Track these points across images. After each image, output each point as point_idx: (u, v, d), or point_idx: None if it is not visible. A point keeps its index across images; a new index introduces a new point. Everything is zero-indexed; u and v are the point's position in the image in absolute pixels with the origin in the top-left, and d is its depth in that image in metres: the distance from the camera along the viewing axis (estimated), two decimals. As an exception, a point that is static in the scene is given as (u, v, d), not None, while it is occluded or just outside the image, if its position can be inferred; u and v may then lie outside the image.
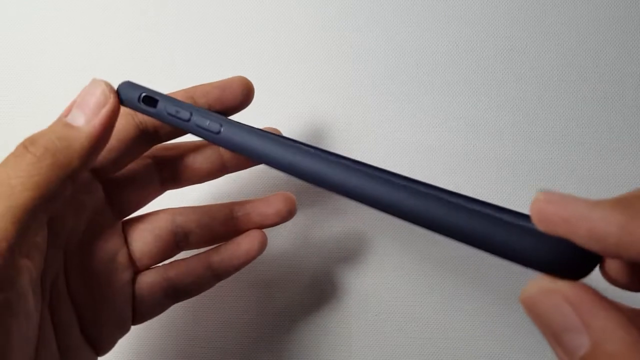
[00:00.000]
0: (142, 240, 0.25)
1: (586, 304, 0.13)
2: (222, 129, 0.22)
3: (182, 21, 0.32)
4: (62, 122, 0.20)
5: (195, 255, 0.26)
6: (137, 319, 0.25)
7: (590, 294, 0.13)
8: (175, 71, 0.32)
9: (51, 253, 0.21)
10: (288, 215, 0.26)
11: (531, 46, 0.31)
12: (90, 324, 0.23)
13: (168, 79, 0.32)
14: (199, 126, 0.22)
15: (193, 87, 0.24)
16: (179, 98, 0.23)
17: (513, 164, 0.31)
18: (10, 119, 0.32)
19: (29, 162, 0.18)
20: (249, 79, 0.25)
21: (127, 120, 0.23)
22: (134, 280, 0.25)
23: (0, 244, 0.17)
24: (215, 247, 0.26)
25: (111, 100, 0.20)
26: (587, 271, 0.15)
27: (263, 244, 0.26)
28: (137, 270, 0.25)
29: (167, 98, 0.22)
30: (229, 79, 0.25)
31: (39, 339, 0.20)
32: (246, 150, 0.21)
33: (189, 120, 0.22)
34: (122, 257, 0.24)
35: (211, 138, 0.22)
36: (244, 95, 0.24)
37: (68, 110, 0.20)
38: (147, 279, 0.25)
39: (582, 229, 0.13)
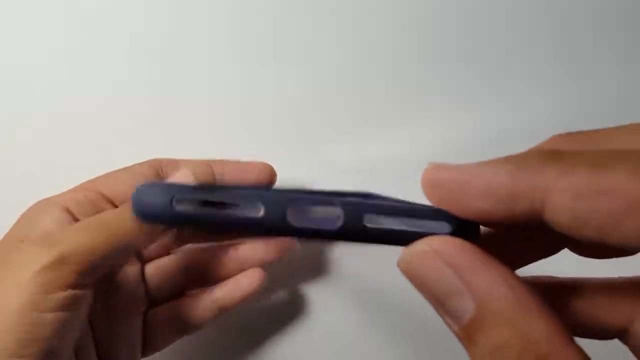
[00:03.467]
0: (158, 277, 0.27)
1: (466, 263, 0.13)
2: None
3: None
4: None
5: (201, 290, 0.28)
6: (147, 350, 0.26)
7: (469, 252, 0.13)
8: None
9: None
10: (285, 252, 0.28)
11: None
12: (105, 352, 0.25)
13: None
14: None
15: (216, 161, 0.27)
16: (200, 168, 0.26)
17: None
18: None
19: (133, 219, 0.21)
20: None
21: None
22: (146, 313, 0.27)
23: (94, 260, 0.20)
24: (219, 285, 0.28)
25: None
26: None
27: (261, 282, 0.28)
28: (150, 304, 0.27)
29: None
30: (252, 162, 0.27)
31: None
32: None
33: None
34: (140, 293, 0.26)
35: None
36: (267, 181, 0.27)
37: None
38: (159, 313, 0.27)
39: (475, 186, 0.13)
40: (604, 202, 0.11)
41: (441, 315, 0.13)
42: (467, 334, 0.12)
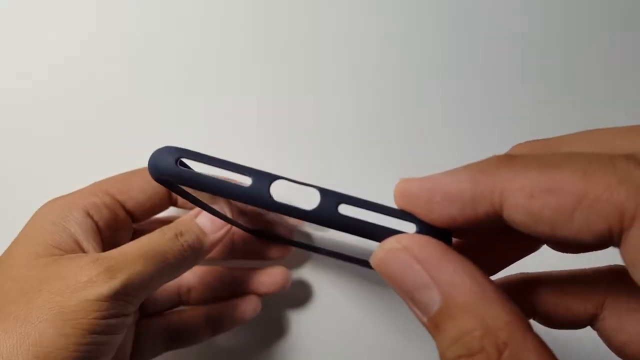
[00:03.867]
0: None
1: (433, 258, 0.13)
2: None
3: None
4: (197, 225, 0.24)
5: (195, 307, 0.29)
6: (134, 359, 0.27)
7: (436, 249, 0.14)
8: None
9: None
10: (283, 286, 0.29)
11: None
12: None
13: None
14: None
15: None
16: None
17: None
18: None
19: (180, 248, 0.23)
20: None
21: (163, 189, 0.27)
22: (138, 321, 0.27)
23: (148, 293, 0.23)
24: (214, 305, 0.29)
25: (231, 226, 0.25)
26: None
27: (257, 309, 0.29)
28: (143, 314, 0.27)
29: None
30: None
31: None
32: None
33: None
34: None
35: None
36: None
37: (197, 214, 0.25)
38: (150, 322, 0.27)
39: (440, 193, 0.14)
40: (553, 199, 0.12)
41: (411, 308, 0.14)
42: (435, 325, 0.13)
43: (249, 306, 0.29)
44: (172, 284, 0.28)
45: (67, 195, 0.25)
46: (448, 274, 0.13)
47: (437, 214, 0.14)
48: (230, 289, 0.29)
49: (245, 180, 0.17)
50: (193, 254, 0.24)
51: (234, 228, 0.27)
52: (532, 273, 0.18)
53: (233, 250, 0.29)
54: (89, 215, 0.24)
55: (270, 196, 0.16)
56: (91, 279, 0.20)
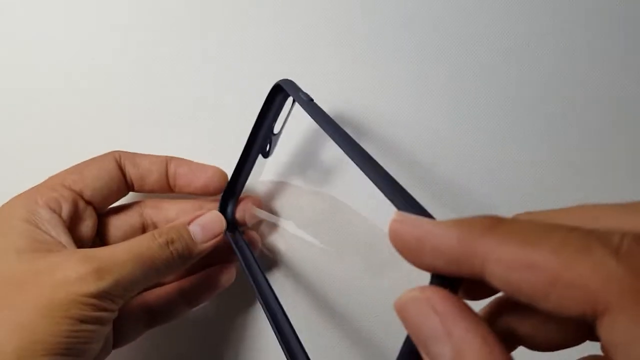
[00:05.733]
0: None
1: (450, 312, 0.14)
2: None
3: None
4: (188, 233, 0.26)
5: (170, 284, 0.29)
6: (117, 341, 0.26)
7: (453, 303, 0.14)
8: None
9: None
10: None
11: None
12: None
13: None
14: None
15: (172, 158, 0.28)
16: (156, 165, 0.28)
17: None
18: None
19: (168, 255, 0.24)
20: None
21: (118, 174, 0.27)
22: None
23: (133, 295, 0.24)
24: (188, 277, 0.29)
25: (221, 235, 0.27)
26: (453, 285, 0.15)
27: (231, 277, 0.29)
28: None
29: None
30: (206, 166, 0.28)
31: None
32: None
33: None
34: None
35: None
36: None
37: (191, 221, 0.26)
38: (127, 305, 0.27)
39: (428, 244, 0.14)
40: (530, 275, 0.12)
41: (422, 355, 0.14)
42: None
43: (223, 274, 0.29)
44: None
45: (25, 193, 0.25)
46: (461, 330, 0.13)
47: (426, 263, 0.15)
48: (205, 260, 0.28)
49: None
50: (181, 261, 0.25)
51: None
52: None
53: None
54: (52, 210, 0.24)
55: None
56: (80, 276, 0.21)
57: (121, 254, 0.23)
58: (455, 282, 0.15)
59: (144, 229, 0.28)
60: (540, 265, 0.12)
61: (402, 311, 0.15)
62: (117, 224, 0.28)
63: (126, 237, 0.27)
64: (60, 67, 0.32)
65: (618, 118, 0.31)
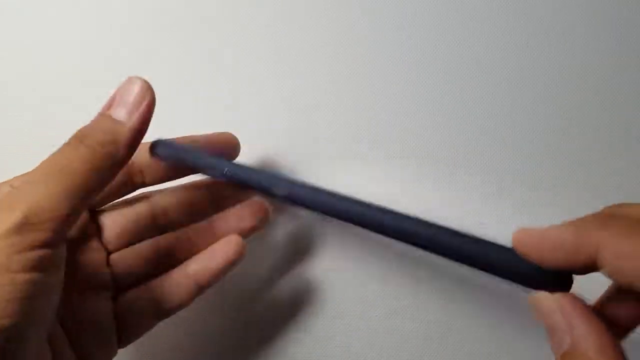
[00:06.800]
0: (126, 261, 0.25)
1: (572, 311, 0.18)
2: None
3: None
4: (108, 117, 0.22)
5: (175, 268, 0.26)
6: (123, 339, 0.25)
7: (576, 304, 0.18)
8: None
9: None
10: (263, 219, 0.27)
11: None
12: (75, 340, 0.23)
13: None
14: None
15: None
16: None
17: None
18: None
19: (85, 153, 0.20)
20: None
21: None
22: (116, 297, 0.25)
23: (59, 215, 0.19)
24: (193, 257, 0.26)
25: (148, 96, 0.22)
26: (567, 285, 0.19)
27: (240, 250, 0.26)
28: (120, 289, 0.25)
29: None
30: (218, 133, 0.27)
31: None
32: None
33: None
34: (103, 277, 0.24)
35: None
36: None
37: (108, 106, 0.22)
38: (131, 296, 0.25)
39: (548, 241, 0.18)
40: (637, 263, 0.16)
41: (549, 339, 0.18)
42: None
43: (228, 246, 0.26)
44: (146, 252, 0.25)
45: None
46: (580, 326, 0.17)
47: (546, 258, 0.18)
48: (210, 241, 0.26)
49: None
50: (109, 150, 0.21)
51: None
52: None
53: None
54: None
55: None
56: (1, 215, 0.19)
57: (34, 175, 0.20)
58: (568, 281, 0.19)
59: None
60: None
61: (538, 307, 0.19)
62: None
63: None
64: (63, 69, 0.32)
65: (618, 118, 0.31)
